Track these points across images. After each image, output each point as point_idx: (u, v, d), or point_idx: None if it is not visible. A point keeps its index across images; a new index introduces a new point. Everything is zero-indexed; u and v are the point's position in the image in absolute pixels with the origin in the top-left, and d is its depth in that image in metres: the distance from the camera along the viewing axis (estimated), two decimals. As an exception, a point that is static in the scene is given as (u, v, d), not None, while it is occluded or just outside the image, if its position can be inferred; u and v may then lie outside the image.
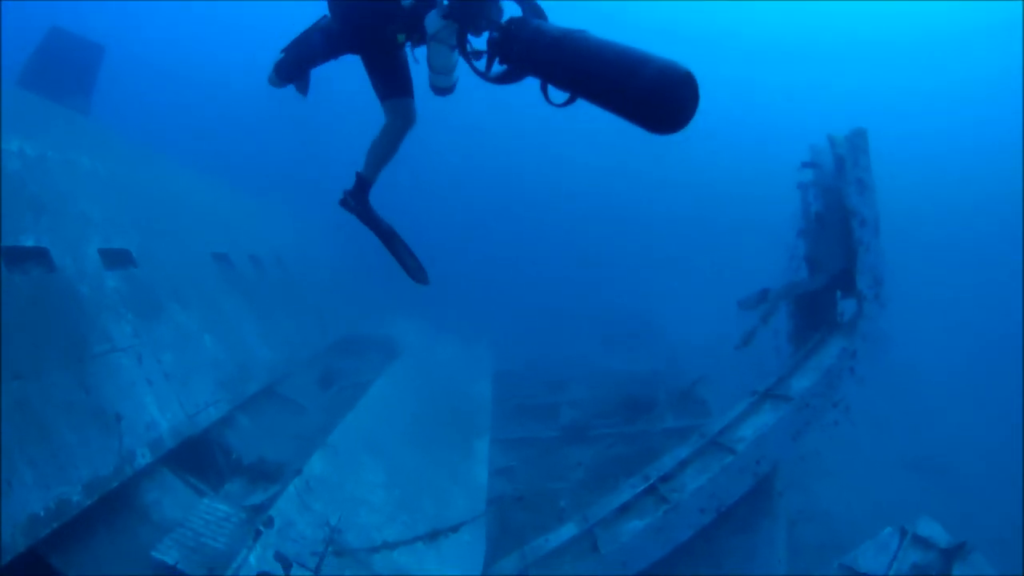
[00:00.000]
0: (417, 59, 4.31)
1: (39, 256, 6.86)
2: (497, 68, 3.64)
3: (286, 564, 6.54)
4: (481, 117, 55.96)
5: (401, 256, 4.77)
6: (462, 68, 4.03)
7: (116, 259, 8.27)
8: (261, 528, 6.67)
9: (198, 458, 8.14)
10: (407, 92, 4.57)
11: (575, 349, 20.52)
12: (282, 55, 4.88)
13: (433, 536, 8.39)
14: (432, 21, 3.82)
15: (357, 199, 4.66)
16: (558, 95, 3.32)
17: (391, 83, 4.53)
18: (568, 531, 8.57)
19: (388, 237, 4.77)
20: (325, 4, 4.52)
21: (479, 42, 3.74)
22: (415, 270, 4.82)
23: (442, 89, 4.25)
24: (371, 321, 16.91)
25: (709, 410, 12.55)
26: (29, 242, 6.77)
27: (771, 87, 62.60)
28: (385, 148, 4.63)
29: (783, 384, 9.07)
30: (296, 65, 4.90)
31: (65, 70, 13.65)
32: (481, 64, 3.69)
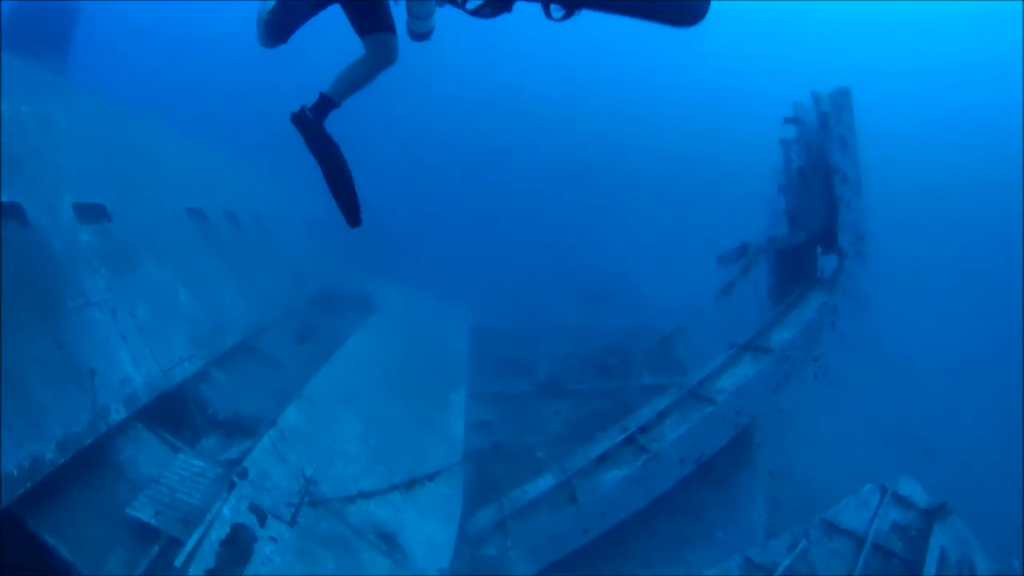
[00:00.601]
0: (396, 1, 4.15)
1: (13, 212, 6.60)
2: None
3: (261, 516, 6.45)
4: (461, 76, 55.38)
5: (338, 191, 4.44)
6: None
7: (91, 214, 8.00)
8: (235, 479, 6.56)
9: (173, 414, 7.95)
10: (391, 28, 4.37)
11: (551, 306, 20.52)
12: (268, 16, 4.65)
13: (410, 485, 8.34)
14: None
15: (316, 115, 4.40)
16: (557, 11, 3.25)
17: (374, 19, 4.32)
18: (546, 482, 8.56)
19: (333, 167, 4.45)
20: None
21: None
22: (350, 210, 4.48)
23: (419, 35, 4.13)
24: (349, 279, 16.65)
25: (685, 368, 12.49)
26: (3, 198, 6.50)
27: (755, 54, 62.09)
28: (359, 76, 4.37)
29: (763, 337, 9.06)
30: (284, 23, 4.67)
31: (41, 30, 13.38)
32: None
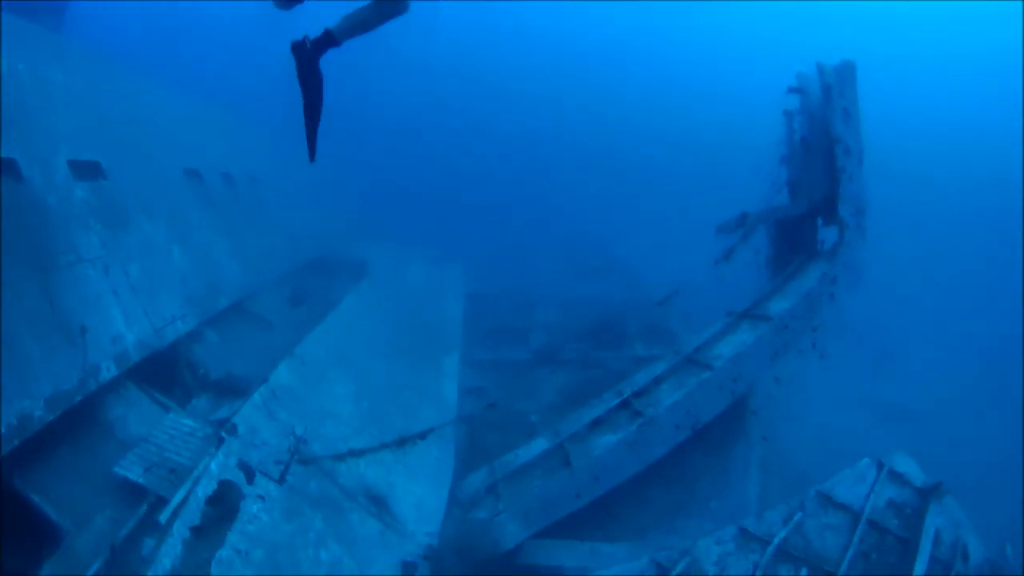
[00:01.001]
0: None
1: (6, 167, 6.45)
2: None
3: (249, 473, 6.36)
4: (465, 43, 54.67)
5: (309, 125, 4.57)
6: None
7: (85, 171, 7.83)
8: (224, 435, 6.46)
9: (164, 373, 7.85)
10: None
11: (546, 277, 20.38)
12: None
13: (401, 443, 8.27)
14: None
15: (315, 48, 4.40)
16: None
17: None
18: (538, 446, 8.47)
19: (312, 102, 4.53)
20: None
21: None
22: (311, 146, 4.66)
23: None
24: (343, 244, 16.52)
25: (679, 341, 12.46)
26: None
27: (751, 36, 61.41)
28: (366, 20, 4.32)
29: (761, 306, 8.94)
30: None
31: None
32: None
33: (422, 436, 8.49)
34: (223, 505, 5.89)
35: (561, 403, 11.11)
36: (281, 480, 6.72)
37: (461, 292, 17.58)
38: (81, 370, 6.21)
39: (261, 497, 6.30)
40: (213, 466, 6.08)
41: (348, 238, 17.50)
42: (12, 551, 5.18)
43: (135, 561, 5.00)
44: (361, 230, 19.14)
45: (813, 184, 9.57)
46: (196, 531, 5.45)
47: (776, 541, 6.32)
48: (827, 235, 9.63)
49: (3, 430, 5.03)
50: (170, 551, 5.12)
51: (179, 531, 5.30)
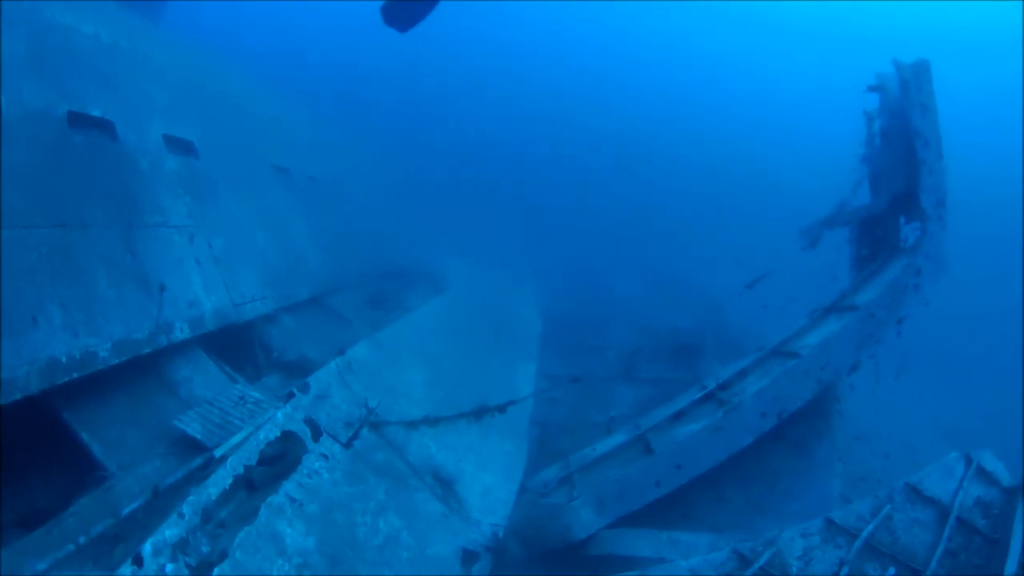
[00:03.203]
0: None
1: (104, 126, 6.47)
2: None
3: (316, 431, 5.82)
4: (533, 65, 55.00)
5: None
6: None
7: (179, 146, 7.77)
8: (295, 391, 5.99)
9: (237, 350, 7.51)
10: None
11: (620, 296, 19.65)
12: None
13: (479, 414, 7.64)
14: None
15: None
16: None
17: None
18: (618, 439, 7.74)
19: None
20: None
21: None
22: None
23: None
24: (422, 257, 16.23)
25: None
26: (95, 112, 6.38)
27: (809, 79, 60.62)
28: None
29: (847, 299, 8.24)
30: None
31: None
32: None
33: (501, 409, 7.81)
34: (284, 455, 5.37)
35: (637, 415, 10.39)
36: (348, 445, 6.17)
37: (537, 310, 16.95)
38: (154, 324, 5.90)
39: (325, 456, 5.75)
40: (279, 415, 5.57)
41: (426, 249, 17.24)
42: (49, 484, 4.76)
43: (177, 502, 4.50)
44: (438, 241, 18.87)
45: (894, 178, 8.99)
46: (249, 470, 4.92)
47: (864, 535, 5.50)
48: (909, 233, 8.97)
49: (62, 360, 4.68)
50: (219, 482, 4.56)
51: (233, 465, 4.76)
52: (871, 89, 9.61)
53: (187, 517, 4.17)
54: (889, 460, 10.16)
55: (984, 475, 6.23)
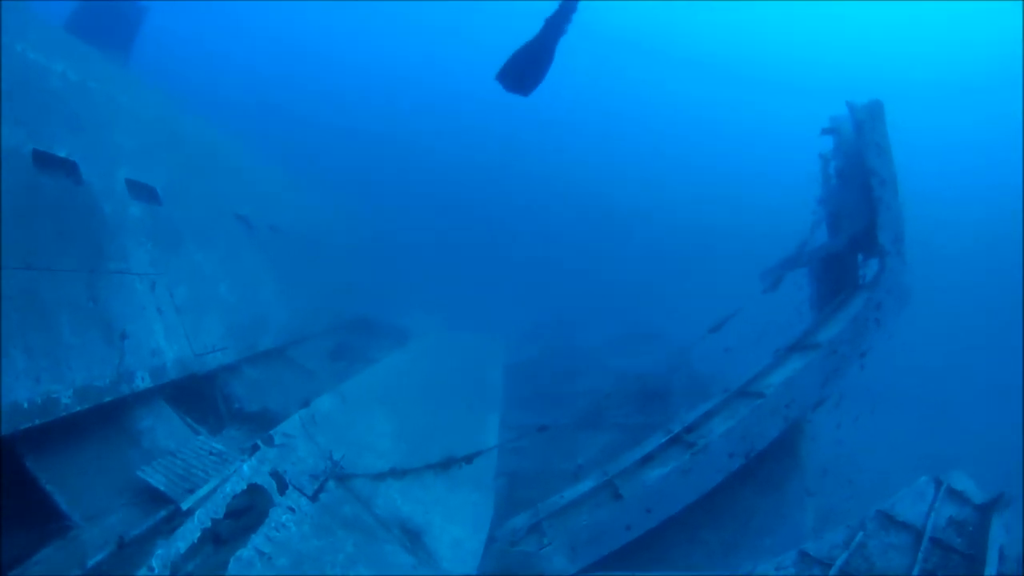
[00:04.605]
0: None
1: (68, 167, 6.47)
2: None
3: (281, 484, 5.74)
4: (504, 123, 56.17)
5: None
6: None
7: (142, 192, 7.76)
8: (260, 444, 5.91)
9: (199, 401, 7.45)
10: None
11: (586, 345, 19.77)
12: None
13: (446, 466, 7.57)
14: None
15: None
16: None
17: None
18: (586, 485, 7.74)
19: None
20: None
21: None
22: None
23: None
24: (386, 310, 16.19)
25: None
26: (61, 152, 6.40)
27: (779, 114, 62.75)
28: None
29: (809, 337, 8.45)
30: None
31: (107, 24, 13.04)
32: None
33: (468, 460, 7.73)
34: (251, 509, 5.28)
35: (604, 461, 10.40)
36: (314, 497, 6.08)
37: (502, 362, 16.90)
38: (116, 372, 5.83)
39: (291, 509, 5.66)
40: (245, 468, 5.50)
41: (392, 303, 17.21)
42: (13, 534, 4.63)
43: (143, 555, 4.39)
44: (404, 297, 18.88)
45: (852, 217, 9.33)
46: (217, 523, 4.83)
47: (839, 563, 5.61)
48: (868, 271, 9.28)
49: (24, 405, 4.61)
50: (187, 535, 4.47)
51: (201, 518, 4.68)
52: (825, 132, 10.03)
53: (156, 571, 4.10)
54: (859, 489, 10.29)
55: (955, 495, 6.44)
